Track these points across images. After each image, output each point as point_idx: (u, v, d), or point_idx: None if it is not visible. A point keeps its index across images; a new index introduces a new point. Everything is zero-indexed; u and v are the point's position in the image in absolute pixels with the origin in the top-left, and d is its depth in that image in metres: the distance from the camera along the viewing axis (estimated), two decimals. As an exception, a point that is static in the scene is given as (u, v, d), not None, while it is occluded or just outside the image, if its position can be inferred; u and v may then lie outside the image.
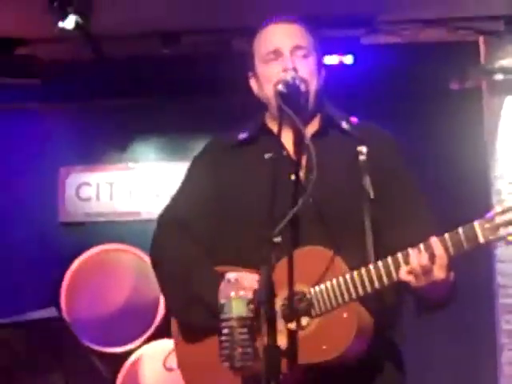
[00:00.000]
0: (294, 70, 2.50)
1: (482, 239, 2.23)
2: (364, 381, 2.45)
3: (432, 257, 2.26)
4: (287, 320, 2.33)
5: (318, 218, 2.47)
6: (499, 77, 5.59)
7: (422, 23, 5.36)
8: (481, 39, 5.67)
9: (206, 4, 5.02)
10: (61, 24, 4.82)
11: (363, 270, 2.34)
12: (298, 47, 2.56)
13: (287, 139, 2.54)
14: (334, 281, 2.36)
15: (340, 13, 5.18)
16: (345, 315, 2.34)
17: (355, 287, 2.34)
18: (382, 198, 2.48)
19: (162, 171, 6.03)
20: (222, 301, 2.28)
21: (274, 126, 2.55)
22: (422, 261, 2.26)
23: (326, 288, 2.36)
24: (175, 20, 5.28)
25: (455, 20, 5.38)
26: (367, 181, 2.47)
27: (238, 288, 2.30)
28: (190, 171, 2.76)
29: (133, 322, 5.31)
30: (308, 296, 2.37)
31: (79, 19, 4.78)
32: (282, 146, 2.53)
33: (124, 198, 6.06)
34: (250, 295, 2.28)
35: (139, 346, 5.26)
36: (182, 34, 5.39)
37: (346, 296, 2.34)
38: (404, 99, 5.57)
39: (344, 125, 2.61)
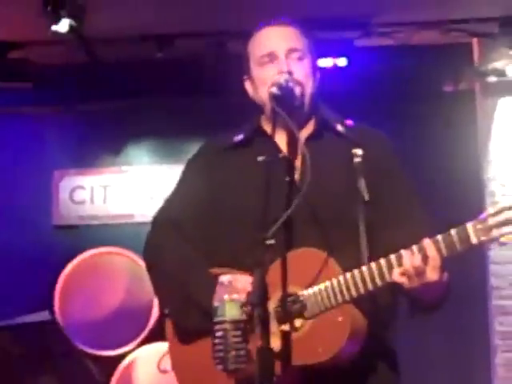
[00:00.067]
0: (289, 73, 2.50)
1: (474, 240, 2.23)
2: (358, 382, 2.45)
3: (425, 258, 2.26)
4: (281, 322, 2.33)
5: (312, 220, 2.47)
6: (492, 79, 5.61)
7: (416, 25, 5.37)
8: (474, 41, 5.68)
9: (199, 7, 5.03)
10: (54, 27, 4.82)
11: (356, 272, 2.34)
12: (293, 50, 2.56)
13: (282, 141, 2.55)
14: (328, 282, 2.36)
15: (334, 15, 5.19)
16: (338, 317, 2.34)
17: (348, 289, 2.34)
18: (377, 199, 2.48)
19: (155, 174, 6.03)
20: (216, 303, 2.28)
21: (269, 129, 2.55)
22: (414, 262, 2.26)
23: (320, 290, 2.36)
24: (168, 23, 5.28)
25: (449, 22, 5.39)
26: (362, 183, 2.47)
27: (232, 291, 2.30)
28: (185, 174, 2.76)
29: (126, 325, 5.31)
30: (301, 298, 2.37)
31: (73, 22, 4.79)
32: (277, 148, 2.53)
33: (118, 201, 6.06)
34: (243, 298, 2.27)
35: (133, 349, 5.25)
36: (175, 37, 5.39)
37: (340, 298, 2.34)
38: (398, 101, 5.58)
39: (339, 127, 2.61)
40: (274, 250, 2.20)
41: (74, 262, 5.48)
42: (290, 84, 2.47)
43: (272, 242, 2.19)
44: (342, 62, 5.41)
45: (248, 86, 2.67)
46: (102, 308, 5.38)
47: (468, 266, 4.86)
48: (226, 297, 2.27)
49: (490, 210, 2.24)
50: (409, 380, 2.62)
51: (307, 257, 2.40)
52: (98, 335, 5.31)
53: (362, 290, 2.33)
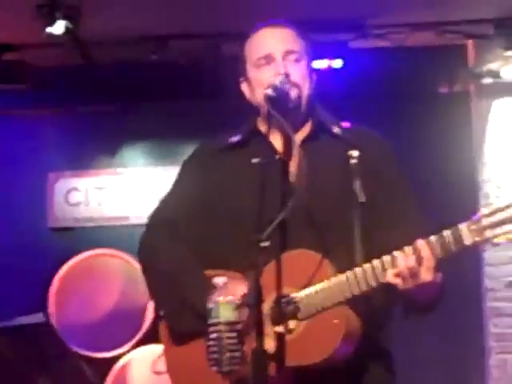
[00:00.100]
0: (286, 75, 2.50)
1: (468, 241, 2.23)
2: (353, 383, 2.45)
3: (419, 259, 2.26)
4: (275, 323, 2.33)
5: (307, 222, 2.47)
6: (487, 80, 5.62)
7: (411, 27, 5.38)
8: (469, 43, 5.69)
9: (194, 9, 5.03)
10: (49, 29, 4.82)
11: (350, 273, 2.34)
12: (289, 52, 2.56)
13: (278, 143, 2.55)
14: (322, 284, 2.36)
15: (329, 17, 5.20)
16: (332, 318, 2.34)
17: (342, 290, 2.34)
18: (373, 200, 2.47)
19: (150, 176, 6.03)
20: (210, 305, 2.28)
21: (265, 130, 2.55)
22: (408, 263, 2.26)
23: (314, 291, 2.36)
24: (163, 25, 5.28)
25: (444, 24, 5.40)
26: (358, 185, 2.47)
27: (226, 292, 2.29)
28: (180, 175, 2.76)
29: (121, 327, 5.30)
30: (295, 299, 2.37)
31: (68, 24, 4.79)
32: (273, 150, 2.53)
33: (113, 203, 6.06)
34: (238, 299, 2.28)
35: (128, 351, 5.25)
36: (170, 39, 5.39)
37: (334, 299, 2.34)
38: (393, 102, 5.59)
39: (335, 129, 2.61)
40: (268, 251, 2.20)
41: (69, 263, 5.47)
42: (286, 86, 2.46)
43: (266, 244, 2.19)
44: (338, 63, 5.41)
45: (245, 87, 2.67)
46: (97, 310, 5.37)
47: (462, 267, 4.88)
48: (220, 298, 2.27)
49: (484, 210, 2.24)
50: (403, 381, 2.62)
51: (302, 258, 2.40)
52: (93, 337, 5.30)
53: (356, 292, 2.33)
